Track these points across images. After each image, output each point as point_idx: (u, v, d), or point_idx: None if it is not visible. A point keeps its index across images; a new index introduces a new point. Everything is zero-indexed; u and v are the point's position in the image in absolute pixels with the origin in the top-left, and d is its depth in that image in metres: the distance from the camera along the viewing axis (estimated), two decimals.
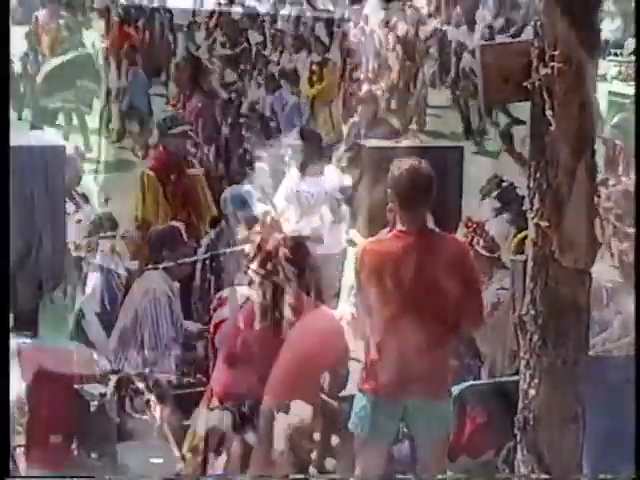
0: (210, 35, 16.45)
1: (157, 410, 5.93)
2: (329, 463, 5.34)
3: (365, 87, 13.53)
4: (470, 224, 6.80)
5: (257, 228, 5.99)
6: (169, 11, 17.62)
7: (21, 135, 7.42)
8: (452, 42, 16.75)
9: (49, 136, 8.76)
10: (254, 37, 16.42)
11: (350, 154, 10.27)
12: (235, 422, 5.75)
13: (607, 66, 14.55)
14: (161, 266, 6.79)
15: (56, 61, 14.84)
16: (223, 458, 5.68)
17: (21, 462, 5.50)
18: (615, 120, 12.24)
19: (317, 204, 8.57)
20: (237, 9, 17.38)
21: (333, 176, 8.87)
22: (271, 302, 5.73)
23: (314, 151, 8.93)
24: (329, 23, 16.80)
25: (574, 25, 3.92)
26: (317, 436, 5.33)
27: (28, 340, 6.07)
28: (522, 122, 4.45)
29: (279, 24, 17.14)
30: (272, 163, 9.23)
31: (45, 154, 6.77)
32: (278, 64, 15.34)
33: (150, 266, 6.91)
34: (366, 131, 10.60)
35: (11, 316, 4.90)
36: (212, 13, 17.18)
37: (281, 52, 16.02)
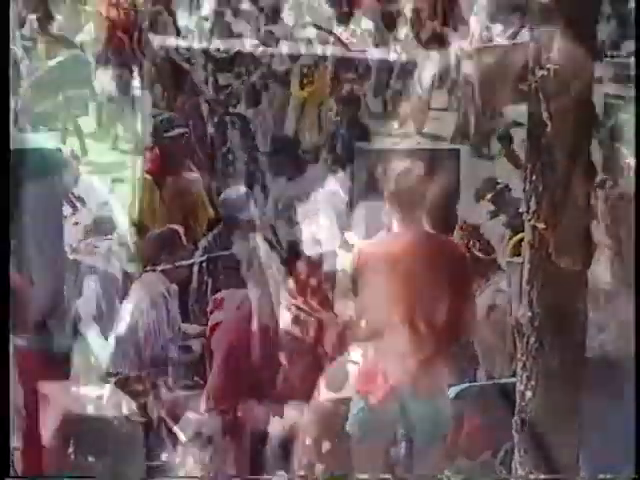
0: (205, 38, 16.42)
1: (154, 412, 5.92)
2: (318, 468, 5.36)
3: (347, 87, 13.55)
4: (465, 227, 6.81)
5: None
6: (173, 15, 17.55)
7: (17, 139, 7.38)
8: (451, 45, 16.74)
9: (44, 139, 8.73)
10: (250, 40, 16.39)
11: (334, 155, 10.30)
12: (228, 425, 5.76)
13: (603, 68, 14.53)
14: (159, 268, 6.78)
15: (44, 66, 14.78)
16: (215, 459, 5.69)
17: (18, 464, 5.49)
18: (612, 122, 12.24)
19: (310, 206, 8.56)
20: (232, 13, 17.37)
21: (320, 179, 8.86)
22: (313, 338, 5.75)
23: (291, 157, 8.97)
24: (324, 26, 16.77)
25: (570, 27, 3.93)
26: (310, 440, 5.35)
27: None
28: (520, 125, 4.47)
29: (273, 27, 17.10)
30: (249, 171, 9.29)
31: (44, 158, 6.72)
32: (269, 67, 15.29)
33: (148, 268, 6.91)
34: (346, 132, 10.63)
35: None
36: (207, 16, 17.17)
37: (272, 55, 15.97)
